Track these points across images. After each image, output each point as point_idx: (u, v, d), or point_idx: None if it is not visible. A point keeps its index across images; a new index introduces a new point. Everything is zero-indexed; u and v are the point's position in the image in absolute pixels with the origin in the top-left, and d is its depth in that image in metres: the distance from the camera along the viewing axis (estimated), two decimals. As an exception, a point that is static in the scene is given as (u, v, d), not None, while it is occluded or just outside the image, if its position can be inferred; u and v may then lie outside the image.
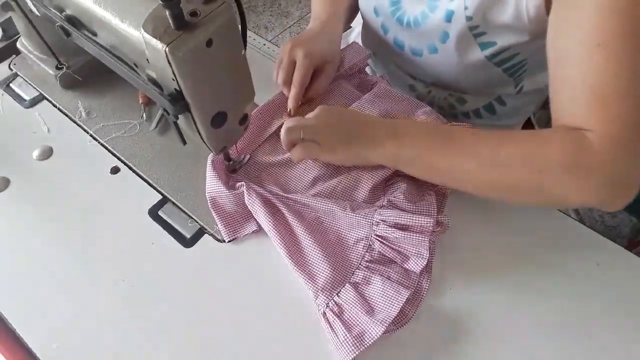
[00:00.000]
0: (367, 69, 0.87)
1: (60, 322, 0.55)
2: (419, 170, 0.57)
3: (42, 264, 0.60)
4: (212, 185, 0.60)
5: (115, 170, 0.68)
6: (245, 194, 0.59)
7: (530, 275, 0.57)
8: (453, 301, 0.55)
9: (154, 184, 0.66)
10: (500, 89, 0.76)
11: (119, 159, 0.68)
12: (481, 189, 0.54)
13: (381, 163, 0.58)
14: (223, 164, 0.63)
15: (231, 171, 0.64)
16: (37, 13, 0.61)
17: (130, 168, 0.68)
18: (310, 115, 0.60)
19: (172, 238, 0.61)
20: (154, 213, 0.63)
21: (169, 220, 0.63)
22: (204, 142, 0.54)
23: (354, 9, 0.82)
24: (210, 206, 0.61)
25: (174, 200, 0.64)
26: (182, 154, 0.68)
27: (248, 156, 0.65)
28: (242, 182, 0.60)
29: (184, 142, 0.57)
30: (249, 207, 0.60)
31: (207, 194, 0.61)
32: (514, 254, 0.59)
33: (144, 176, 0.66)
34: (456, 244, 0.59)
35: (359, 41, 0.91)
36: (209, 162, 0.61)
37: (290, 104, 0.66)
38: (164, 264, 0.59)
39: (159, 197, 0.65)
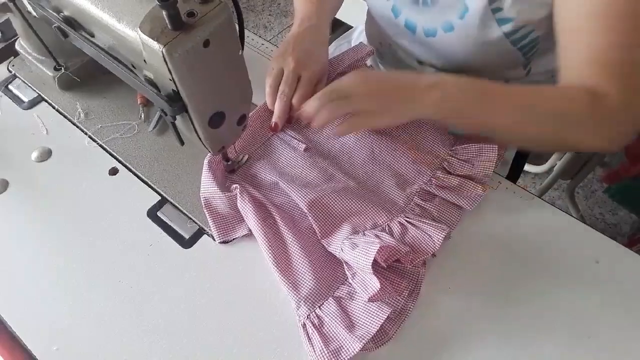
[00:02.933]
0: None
1: (59, 324, 0.55)
2: (460, 123, 0.59)
3: (41, 266, 0.60)
4: (207, 186, 0.60)
5: (114, 172, 0.67)
6: (238, 197, 0.59)
7: (530, 273, 0.57)
8: (451, 299, 0.55)
9: (153, 185, 0.66)
10: (510, 71, 0.76)
11: (117, 160, 0.68)
12: (513, 140, 0.63)
13: (428, 115, 0.58)
14: (221, 164, 0.63)
15: (230, 171, 0.64)
16: (34, 14, 0.61)
17: (129, 169, 0.67)
18: (343, 84, 0.57)
19: (171, 239, 0.61)
20: (152, 214, 0.63)
21: (167, 221, 0.63)
22: (202, 143, 0.54)
23: (337, 8, 0.82)
24: (203, 207, 0.60)
25: (172, 201, 0.64)
26: (181, 155, 0.68)
27: (247, 156, 0.65)
28: (237, 185, 0.60)
29: (182, 143, 0.57)
30: (240, 210, 0.59)
31: (201, 195, 0.61)
32: (514, 252, 0.59)
33: (143, 177, 0.66)
34: (454, 241, 0.59)
35: (362, 39, 0.91)
36: (205, 162, 0.61)
37: (278, 119, 0.65)
38: (163, 265, 0.59)
39: (158, 198, 0.65)
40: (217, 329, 0.54)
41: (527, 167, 1.54)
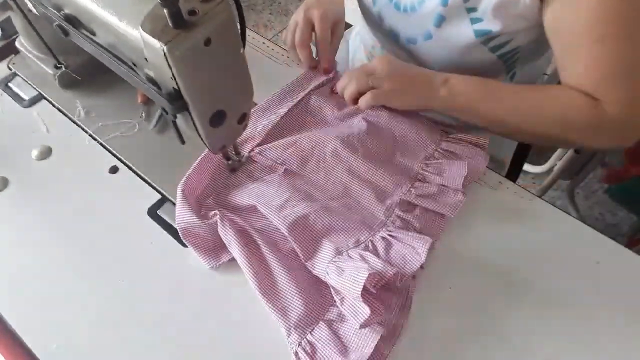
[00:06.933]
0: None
1: (59, 322, 0.55)
2: (469, 117, 0.66)
3: (41, 264, 0.60)
4: (183, 216, 0.58)
5: (114, 170, 0.67)
6: (219, 224, 0.57)
7: (530, 274, 0.57)
8: (452, 300, 0.55)
9: (153, 184, 0.66)
10: (494, 78, 0.76)
11: (118, 158, 0.68)
12: (518, 137, 0.72)
13: (438, 108, 0.65)
14: (218, 164, 0.62)
15: (231, 170, 0.63)
16: (35, 12, 0.61)
17: (129, 167, 0.67)
18: (370, 64, 0.66)
19: (171, 237, 0.61)
20: (153, 212, 0.63)
21: (168, 220, 0.62)
22: (203, 141, 0.54)
23: None
24: (182, 237, 0.58)
25: (173, 200, 0.64)
26: (182, 153, 0.68)
27: (247, 155, 0.65)
28: (216, 211, 0.58)
29: (183, 142, 0.57)
30: (222, 238, 0.57)
31: (177, 226, 0.58)
32: (514, 252, 0.59)
33: (143, 176, 0.66)
34: (454, 241, 0.59)
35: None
36: (178, 191, 0.58)
37: (324, 63, 0.71)
38: (163, 264, 0.59)
39: (158, 196, 0.65)
40: (218, 327, 0.54)
41: (527, 167, 1.54)
